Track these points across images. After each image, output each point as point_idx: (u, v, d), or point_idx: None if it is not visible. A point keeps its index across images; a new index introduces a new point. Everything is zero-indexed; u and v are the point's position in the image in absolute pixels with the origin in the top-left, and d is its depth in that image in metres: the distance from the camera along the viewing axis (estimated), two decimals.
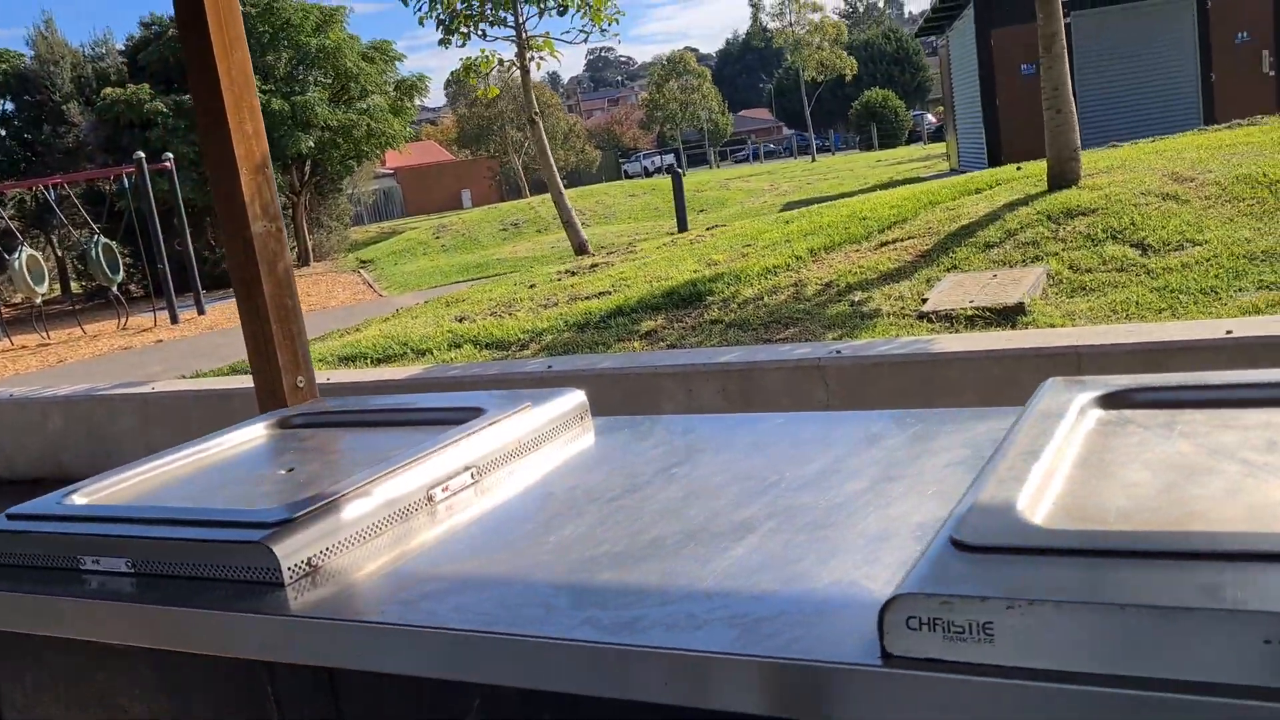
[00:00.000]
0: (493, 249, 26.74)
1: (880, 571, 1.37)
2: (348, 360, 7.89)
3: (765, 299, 6.89)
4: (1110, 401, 1.69)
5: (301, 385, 3.58)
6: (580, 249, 15.83)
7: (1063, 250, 6.54)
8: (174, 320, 18.75)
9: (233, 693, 1.65)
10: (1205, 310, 5.31)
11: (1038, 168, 9.07)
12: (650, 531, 1.64)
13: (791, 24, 54.52)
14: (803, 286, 6.99)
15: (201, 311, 19.60)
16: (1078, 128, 8.22)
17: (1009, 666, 1.08)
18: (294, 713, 1.60)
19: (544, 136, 16.83)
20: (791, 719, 1.18)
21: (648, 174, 58.53)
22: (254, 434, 2.44)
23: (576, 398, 2.35)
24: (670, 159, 62.67)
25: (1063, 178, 8.07)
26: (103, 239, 17.97)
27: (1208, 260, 5.88)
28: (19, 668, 1.89)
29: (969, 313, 5.79)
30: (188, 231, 19.92)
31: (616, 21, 15.95)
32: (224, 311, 19.70)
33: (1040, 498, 1.34)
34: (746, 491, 1.76)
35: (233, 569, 1.65)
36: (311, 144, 25.99)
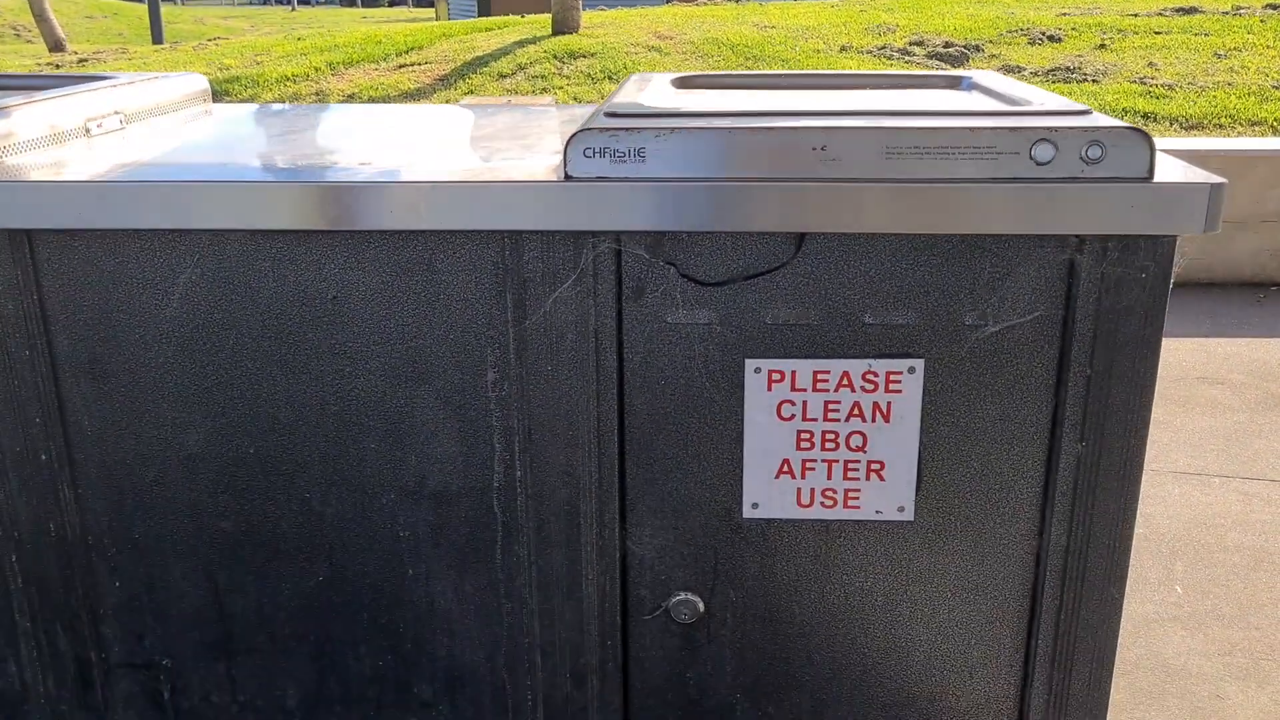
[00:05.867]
0: None
1: (546, 158, 1.80)
2: None
3: (286, 102, 6.89)
4: (678, 83, 2.23)
5: None
6: (56, 46, 14.23)
7: (567, 85, 7.27)
8: None
9: None
10: None
11: (538, 18, 9.80)
12: (342, 148, 1.92)
13: None
14: (325, 96, 7.08)
15: None
16: None
17: (656, 177, 1.56)
18: None
19: None
20: (512, 229, 1.59)
21: None
22: None
23: (201, 80, 2.48)
24: None
25: (565, 24, 8.83)
26: None
27: None
28: None
29: None
30: None
31: None
32: None
33: (647, 102, 1.83)
34: (419, 133, 2.10)
35: None
36: None
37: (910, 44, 8.41)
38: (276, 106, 2.58)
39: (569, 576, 1.78)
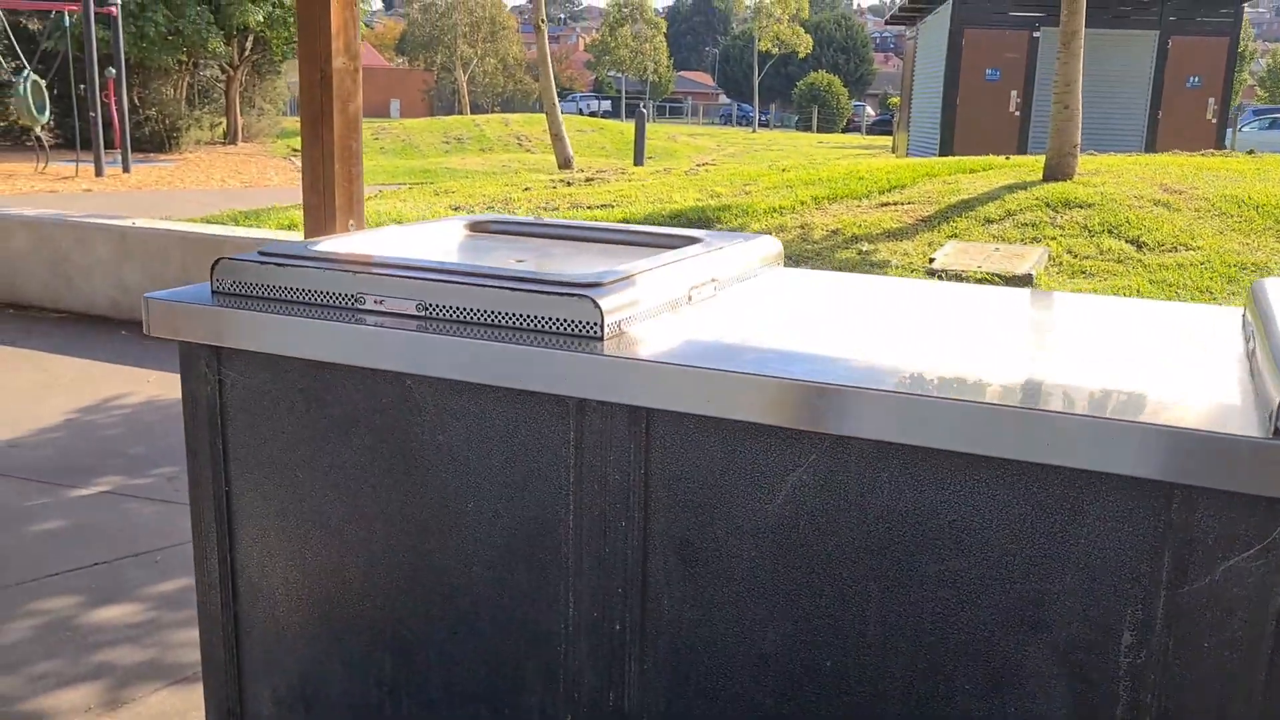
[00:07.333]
0: (435, 159, 26.35)
1: (1204, 393, 1.56)
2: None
3: (773, 235, 7.09)
4: None
5: (353, 228, 3.56)
6: (565, 164, 16.18)
7: (1060, 236, 6.87)
8: (99, 173, 17.99)
9: (545, 425, 1.75)
10: None
11: (1026, 159, 9.47)
12: (954, 346, 1.80)
13: None
14: (809, 230, 7.20)
15: (127, 169, 18.87)
16: (1080, 126, 8.59)
17: None
18: (596, 443, 1.71)
19: (546, 44, 17.38)
20: (1183, 483, 1.36)
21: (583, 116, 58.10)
22: (454, 230, 2.51)
23: (775, 243, 2.48)
24: (607, 105, 62.16)
25: (1060, 170, 8.43)
26: (33, 75, 17.28)
27: (1201, 264, 6.28)
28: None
29: (978, 276, 6.08)
30: (125, 85, 19.23)
31: None
32: (149, 173, 19.14)
33: None
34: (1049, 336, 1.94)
35: (558, 321, 1.75)
36: (260, 17, 24.99)
37: None
38: (849, 277, 2.53)
39: None
